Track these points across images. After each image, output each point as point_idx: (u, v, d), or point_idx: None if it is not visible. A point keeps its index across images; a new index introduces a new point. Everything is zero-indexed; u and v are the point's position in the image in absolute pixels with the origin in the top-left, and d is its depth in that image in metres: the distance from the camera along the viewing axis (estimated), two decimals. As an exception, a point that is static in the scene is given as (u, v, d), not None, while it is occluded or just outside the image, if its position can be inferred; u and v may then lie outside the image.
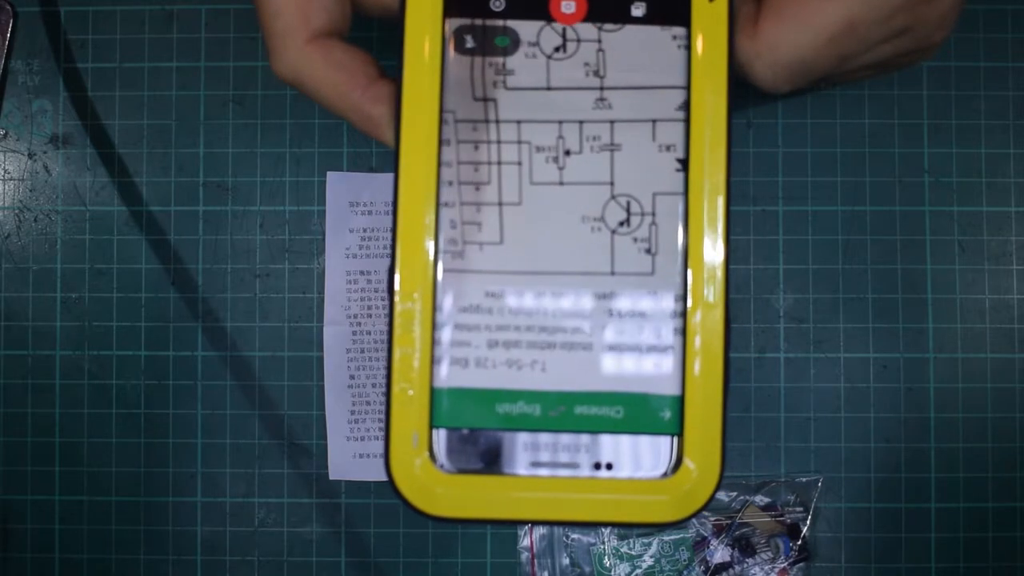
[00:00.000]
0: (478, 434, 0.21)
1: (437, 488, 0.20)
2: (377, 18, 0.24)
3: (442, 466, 0.21)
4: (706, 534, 0.33)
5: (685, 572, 0.33)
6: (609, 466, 0.21)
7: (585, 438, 0.21)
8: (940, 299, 0.34)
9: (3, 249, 0.35)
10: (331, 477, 0.34)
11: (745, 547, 0.33)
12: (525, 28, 0.21)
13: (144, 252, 0.34)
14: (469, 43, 0.21)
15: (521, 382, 0.21)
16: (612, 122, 0.21)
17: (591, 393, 0.21)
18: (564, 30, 0.21)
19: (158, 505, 0.34)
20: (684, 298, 0.21)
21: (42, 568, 0.34)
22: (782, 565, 0.33)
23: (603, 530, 0.33)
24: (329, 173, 0.34)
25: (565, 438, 0.21)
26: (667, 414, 0.21)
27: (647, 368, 0.21)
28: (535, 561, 0.33)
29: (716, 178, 0.21)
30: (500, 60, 0.21)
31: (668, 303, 0.21)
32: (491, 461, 0.21)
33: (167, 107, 0.35)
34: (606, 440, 0.21)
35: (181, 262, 0.34)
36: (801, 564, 0.33)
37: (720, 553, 0.33)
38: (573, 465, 0.21)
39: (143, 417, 0.34)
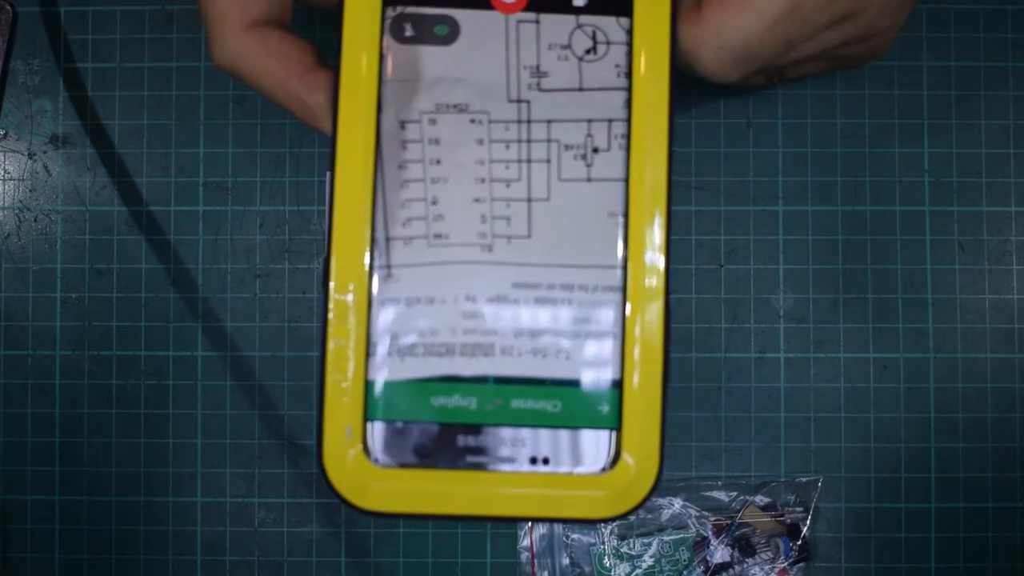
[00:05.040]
0: (413, 427, 0.20)
1: (371, 482, 0.20)
2: (317, 7, 0.24)
3: (376, 460, 0.20)
4: (706, 534, 0.33)
5: (685, 572, 0.33)
6: (546, 460, 0.20)
7: (522, 432, 0.20)
8: (940, 299, 0.34)
9: (3, 249, 0.35)
10: (331, 477, 0.34)
11: (745, 547, 0.33)
12: (465, 17, 0.21)
13: (144, 252, 0.34)
14: (408, 31, 0.21)
15: (457, 374, 0.21)
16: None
17: (528, 387, 0.21)
18: (594, 32, 0.21)
19: (158, 505, 0.34)
20: (624, 291, 0.21)
21: (42, 568, 0.34)
22: (782, 565, 0.33)
23: (603, 530, 0.33)
24: (329, 173, 0.34)
25: (502, 432, 0.20)
26: (605, 408, 0.20)
27: (586, 361, 0.21)
28: (535, 561, 0.33)
29: (657, 172, 0.21)
30: (440, 49, 0.21)
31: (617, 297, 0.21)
32: (427, 455, 0.20)
33: (167, 107, 0.35)
34: (543, 434, 0.21)
35: (181, 262, 0.34)
36: (801, 564, 0.33)
37: (720, 553, 0.33)
38: (510, 459, 0.20)
39: (143, 417, 0.34)
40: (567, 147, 0.21)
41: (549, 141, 0.21)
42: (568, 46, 0.21)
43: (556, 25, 0.21)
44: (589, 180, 0.21)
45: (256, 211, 0.34)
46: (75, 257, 0.34)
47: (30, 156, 0.35)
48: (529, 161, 0.21)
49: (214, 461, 0.34)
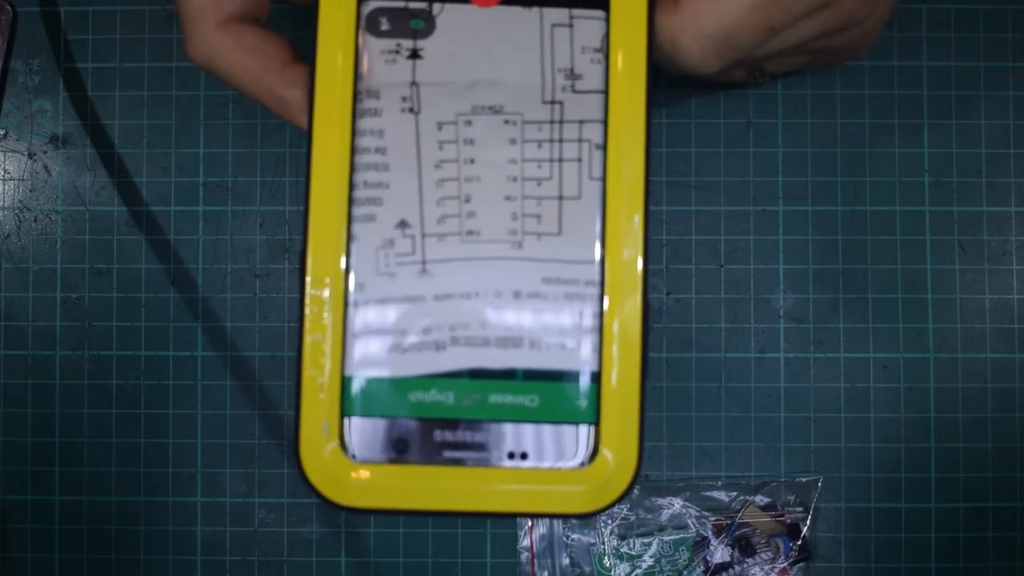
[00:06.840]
0: (390, 422, 0.20)
1: (347, 478, 0.20)
2: (293, 3, 0.24)
3: (353, 456, 0.20)
4: (706, 534, 0.33)
5: (685, 572, 0.33)
6: (524, 456, 0.20)
7: (500, 427, 0.20)
8: (940, 299, 0.34)
9: (3, 249, 0.35)
10: (331, 477, 0.34)
11: (745, 547, 0.33)
12: (441, 10, 0.21)
13: (144, 252, 0.34)
14: (384, 25, 0.21)
15: (434, 370, 0.20)
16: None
17: (506, 381, 0.20)
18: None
19: (158, 505, 0.34)
20: (601, 285, 0.21)
21: (42, 568, 0.34)
22: (782, 565, 0.33)
23: (603, 530, 0.33)
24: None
25: (479, 427, 0.20)
26: (583, 403, 0.20)
27: (564, 356, 0.21)
28: (535, 561, 0.33)
29: (635, 169, 0.21)
30: (414, 43, 0.21)
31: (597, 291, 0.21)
32: (403, 450, 0.20)
33: (167, 107, 0.35)
34: (521, 429, 0.20)
35: (181, 262, 0.34)
36: (801, 564, 0.33)
37: (720, 553, 0.33)
38: (488, 455, 0.20)
39: (143, 417, 0.34)
40: (598, 147, 0.21)
41: (580, 141, 0.21)
42: (600, 49, 0.21)
43: (589, 28, 0.21)
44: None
45: (256, 211, 0.34)
46: (75, 257, 0.34)
47: (30, 156, 0.35)
48: (561, 160, 0.21)
49: (214, 461, 0.34)
